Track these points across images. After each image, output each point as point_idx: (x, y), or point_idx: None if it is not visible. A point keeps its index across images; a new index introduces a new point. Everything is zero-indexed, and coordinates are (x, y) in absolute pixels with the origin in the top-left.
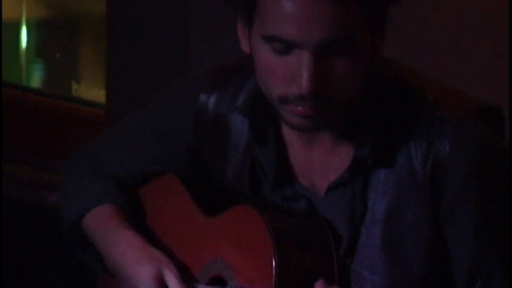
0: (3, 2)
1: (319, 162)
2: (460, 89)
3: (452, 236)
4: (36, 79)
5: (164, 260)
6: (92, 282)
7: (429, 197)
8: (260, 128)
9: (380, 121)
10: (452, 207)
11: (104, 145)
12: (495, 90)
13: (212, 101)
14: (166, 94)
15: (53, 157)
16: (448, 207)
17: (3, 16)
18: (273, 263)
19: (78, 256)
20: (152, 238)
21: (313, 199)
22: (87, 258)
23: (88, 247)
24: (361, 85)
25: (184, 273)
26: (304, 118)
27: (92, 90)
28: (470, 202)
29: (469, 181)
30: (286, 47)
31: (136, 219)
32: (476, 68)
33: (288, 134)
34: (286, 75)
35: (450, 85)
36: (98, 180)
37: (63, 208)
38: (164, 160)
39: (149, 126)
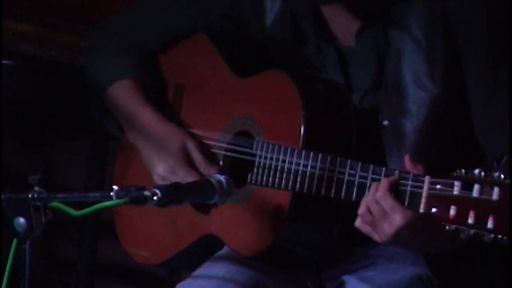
0: None
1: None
2: None
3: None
4: None
5: (184, 132)
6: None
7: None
8: None
9: None
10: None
11: (137, 11)
12: None
13: None
14: None
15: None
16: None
17: None
18: (302, 123)
19: (99, 119)
20: (180, 96)
21: (343, 49)
22: (107, 123)
23: (109, 114)
24: None
25: (209, 130)
26: None
27: None
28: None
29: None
30: None
31: (159, 89)
32: None
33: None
34: None
35: None
36: (123, 53)
37: (91, 77)
38: (197, 19)
39: None
